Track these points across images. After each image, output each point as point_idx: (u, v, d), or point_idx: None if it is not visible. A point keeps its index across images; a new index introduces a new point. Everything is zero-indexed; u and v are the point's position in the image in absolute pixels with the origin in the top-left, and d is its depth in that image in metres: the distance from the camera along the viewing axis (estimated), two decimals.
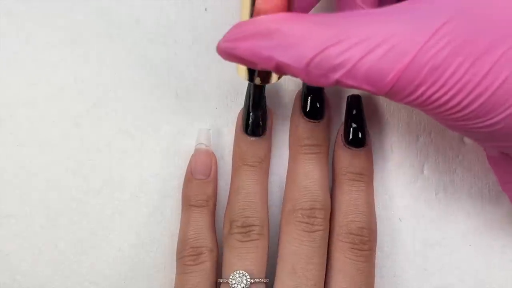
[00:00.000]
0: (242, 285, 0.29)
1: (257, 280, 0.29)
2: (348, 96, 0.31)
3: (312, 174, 0.30)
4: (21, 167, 0.33)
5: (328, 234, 0.30)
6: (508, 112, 0.22)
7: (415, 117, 0.32)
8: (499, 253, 0.32)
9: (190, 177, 0.31)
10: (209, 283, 0.30)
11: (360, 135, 0.30)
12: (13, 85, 0.33)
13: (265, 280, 0.29)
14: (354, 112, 0.30)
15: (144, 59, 0.33)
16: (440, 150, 0.32)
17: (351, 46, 0.22)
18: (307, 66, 0.22)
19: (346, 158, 0.30)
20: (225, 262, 0.30)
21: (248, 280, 0.29)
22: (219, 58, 0.32)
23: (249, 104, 0.30)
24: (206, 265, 0.30)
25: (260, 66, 0.23)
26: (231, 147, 0.32)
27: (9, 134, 0.33)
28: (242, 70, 0.26)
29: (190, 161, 0.31)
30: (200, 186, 0.31)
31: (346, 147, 0.30)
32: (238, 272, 0.29)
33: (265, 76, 0.26)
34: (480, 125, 0.23)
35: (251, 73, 0.26)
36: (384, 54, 0.21)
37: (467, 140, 0.32)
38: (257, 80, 0.26)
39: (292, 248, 0.29)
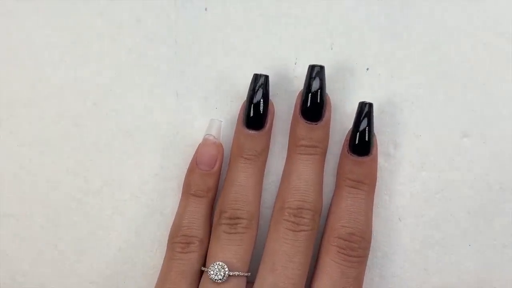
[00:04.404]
0: (220, 276, 0.29)
1: (236, 273, 0.29)
2: (359, 102, 0.30)
3: (304, 174, 0.30)
4: (21, 167, 0.33)
5: (315, 236, 0.30)
6: None
7: (416, 117, 0.32)
8: (499, 253, 0.32)
9: (194, 166, 0.31)
10: (193, 273, 0.30)
11: (364, 144, 0.30)
12: (13, 85, 0.33)
13: (245, 274, 0.29)
14: (364, 120, 0.30)
15: (144, 59, 0.33)
16: (440, 149, 0.32)
17: None
18: None
19: (348, 165, 0.30)
20: (210, 251, 0.30)
21: (227, 272, 0.29)
22: (219, 58, 0.33)
23: (251, 97, 0.30)
24: (194, 255, 0.30)
25: None
26: (230, 146, 0.32)
27: (9, 134, 0.33)
28: None
29: (197, 150, 0.31)
30: (202, 176, 0.31)
31: (349, 153, 0.30)
32: (217, 263, 0.29)
33: None
34: None
35: None
36: None
37: (467, 139, 0.32)
38: None
39: (275, 246, 0.29)
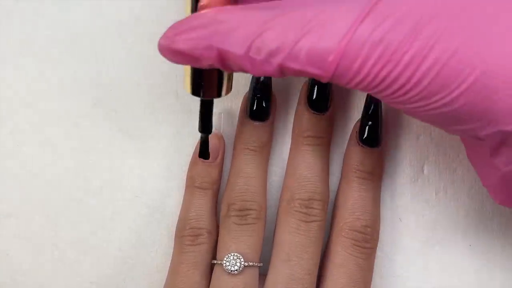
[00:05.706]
0: (236, 267, 0.29)
1: (251, 263, 0.29)
2: (368, 94, 0.30)
3: (312, 165, 0.30)
4: (21, 167, 0.33)
5: (324, 226, 0.30)
6: (464, 86, 0.21)
7: None
8: (499, 253, 0.32)
9: (196, 159, 0.31)
10: (205, 265, 0.30)
11: (375, 135, 0.30)
12: (13, 85, 0.33)
13: (259, 264, 0.30)
14: (373, 110, 0.30)
15: (144, 59, 0.33)
16: (440, 149, 0.32)
17: (287, 28, 0.21)
18: (248, 52, 0.22)
19: (359, 156, 0.30)
20: (221, 244, 0.30)
21: (242, 262, 0.29)
22: None
23: (255, 88, 0.30)
24: (204, 247, 0.30)
25: (203, 60, 0.23)
26: (230, 147, 0.32)
27: (9, 134, 0.33)
28: (187, 82, 0.27)
29: (199, 142, 0.31)
30: (206, 168, 0.31)
31: (359, 144, 0.30)
32: (232, 254, 0.29)
33: (211, 87, 0.26)
34: (439, 103, 0.22)
35: (197, 84, 0.26)
36: (322, 33, 0.21)
37: None
38: (205, 92, 0.26)
39: (288, 237, 0.29)
